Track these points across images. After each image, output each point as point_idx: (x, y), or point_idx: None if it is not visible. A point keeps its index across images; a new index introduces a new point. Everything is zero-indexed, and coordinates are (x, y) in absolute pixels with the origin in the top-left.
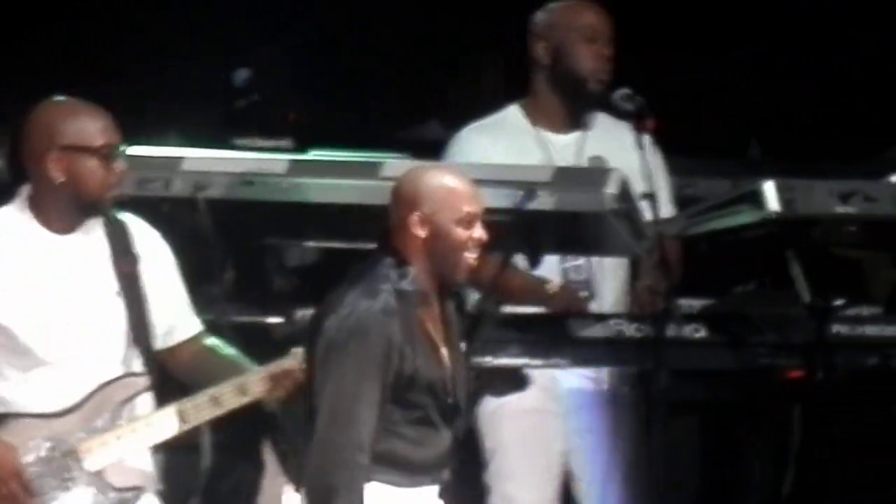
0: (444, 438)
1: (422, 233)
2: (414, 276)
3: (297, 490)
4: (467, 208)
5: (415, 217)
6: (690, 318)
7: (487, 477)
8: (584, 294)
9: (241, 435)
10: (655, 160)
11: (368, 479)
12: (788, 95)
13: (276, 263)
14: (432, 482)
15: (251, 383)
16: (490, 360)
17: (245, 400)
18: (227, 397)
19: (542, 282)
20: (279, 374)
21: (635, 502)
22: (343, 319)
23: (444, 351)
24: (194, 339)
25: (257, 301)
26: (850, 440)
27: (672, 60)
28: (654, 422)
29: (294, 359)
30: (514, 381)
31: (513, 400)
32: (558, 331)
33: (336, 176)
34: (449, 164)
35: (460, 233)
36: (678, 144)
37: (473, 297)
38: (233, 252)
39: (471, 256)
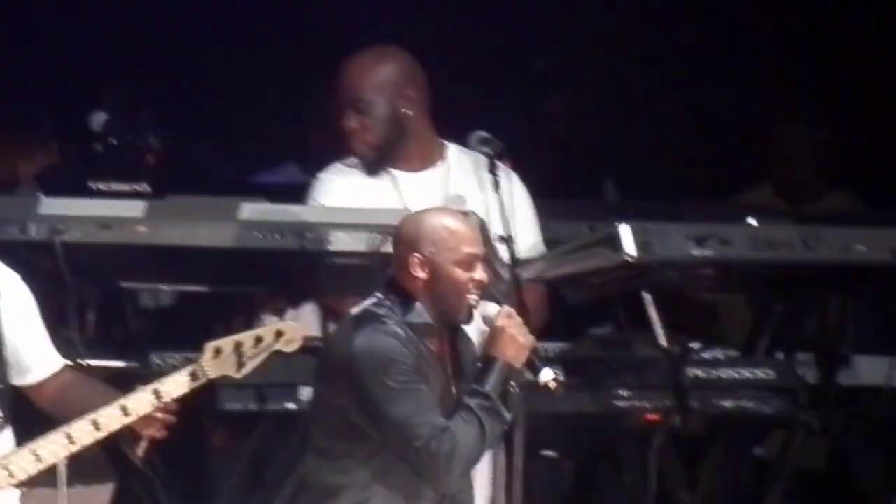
0: None
1: (422, 274)
2: (419, 311)
3: None
4: (467, 249)
5: (415, 258)
6: (547, 361)
7: None
8: None
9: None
10: (522, 197)
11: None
12: (642, 136)
13: (133, 307)
14: None
15: (105, 417)
16: None
17: (99, 435)
18: (80, 433)
19: None
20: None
21: None
22: (364, 352)
23: (453, 388)
24: (58, 375)
25: (114, 345)
26: (707, 482)
27: (525, 101)
28: (513, 466)
29: (146, 392)
30: None
31: None
32: None
33: (193, 219)
34: (309, 207)
35: (460, 274)
36: (533, 186)
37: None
38: (89, 296)
39: (472, 297)
